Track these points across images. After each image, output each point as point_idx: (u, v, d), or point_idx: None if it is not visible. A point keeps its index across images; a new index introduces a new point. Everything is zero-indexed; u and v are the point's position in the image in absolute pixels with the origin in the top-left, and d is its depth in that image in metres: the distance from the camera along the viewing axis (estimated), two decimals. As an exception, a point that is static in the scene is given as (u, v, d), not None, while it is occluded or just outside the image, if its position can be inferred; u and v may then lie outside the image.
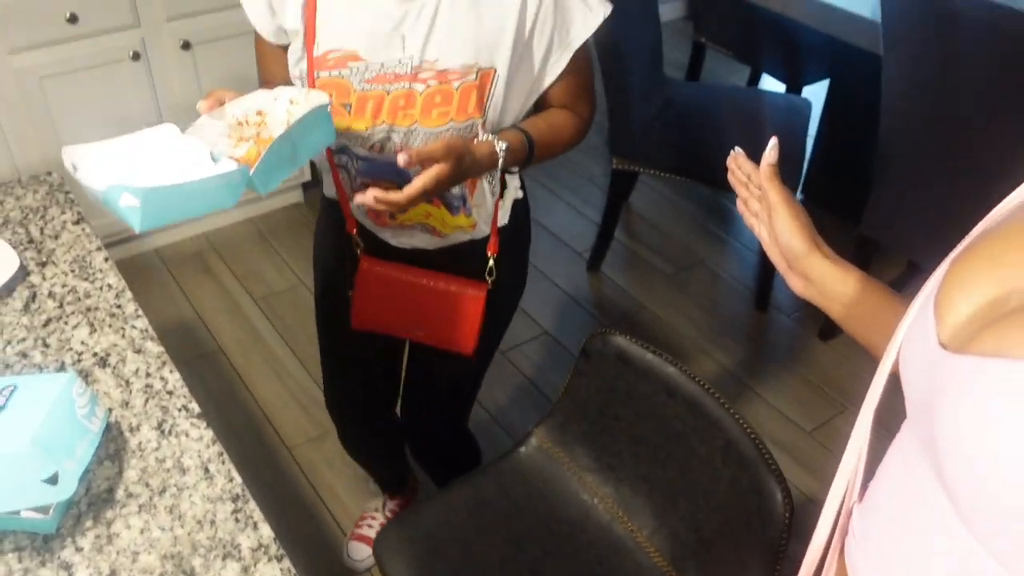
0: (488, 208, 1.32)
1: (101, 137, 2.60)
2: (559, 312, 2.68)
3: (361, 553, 1.92)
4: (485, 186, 1.30)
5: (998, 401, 0.49)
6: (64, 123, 2.38)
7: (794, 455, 2.21)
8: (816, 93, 3.03)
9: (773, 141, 0.85)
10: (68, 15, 2.24)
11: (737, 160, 0.90)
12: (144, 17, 2.37)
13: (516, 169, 1.29)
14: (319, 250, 1.52)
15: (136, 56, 2.38)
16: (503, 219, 1.36)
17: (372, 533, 1.94)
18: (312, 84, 1.17)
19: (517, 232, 1.41)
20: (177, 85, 2.51)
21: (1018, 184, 0.63)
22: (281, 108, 1.08)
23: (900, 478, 0.63)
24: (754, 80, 3.47)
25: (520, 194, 1.38)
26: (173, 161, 0.98)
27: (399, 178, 1.20)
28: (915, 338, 0.60)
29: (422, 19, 1.13)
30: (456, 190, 1.26)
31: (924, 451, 0.57)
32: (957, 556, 0.54)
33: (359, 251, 1.38)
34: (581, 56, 1.24)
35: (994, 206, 0.65)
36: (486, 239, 1.35)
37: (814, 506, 2.07)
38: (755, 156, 0.93)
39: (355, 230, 1.37)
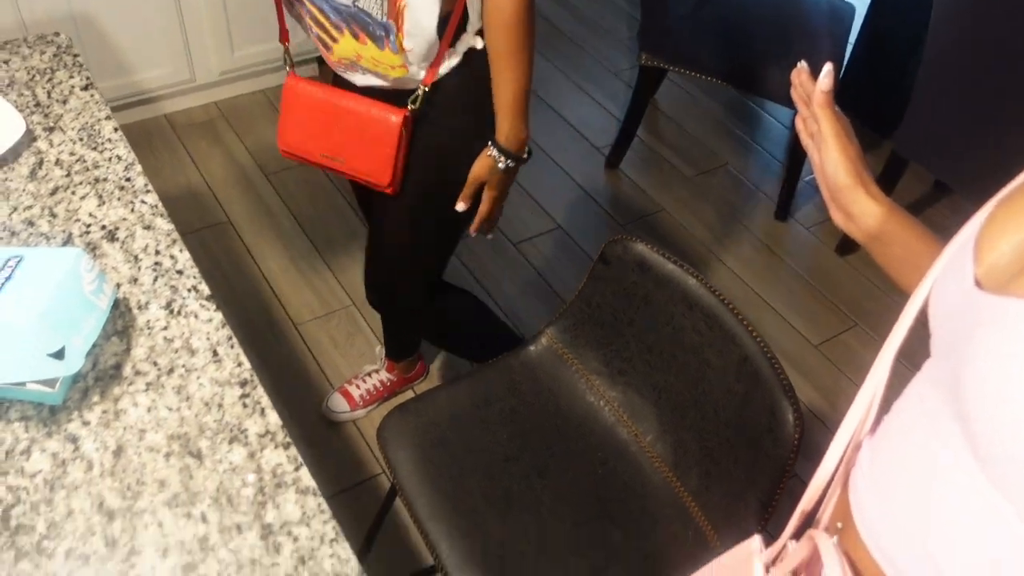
0: (419, 51, 1.25)
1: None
2: (573, 207, 2.63)
3: (339, 406, 1.99)
4: (416, 17, 1.20)
5: None
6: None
7: (798, 367, 2.21)
8: (860, -4, 2.90)
9: (828, 67, 0.80)
10: None
11: (800, 76, 0.85)
12: None
13: (476, 18, 1.25)
14: None
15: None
16: (447, 66, 1.29)
17: (355, 392, 1.99)
18: None
19: (479, 83, 1.32)
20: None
21: None
22: None
23: (915, 415, 0.62)
24: (796, -23, 3.30)
25: (479, 44, 1.28)
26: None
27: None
28: (949, 276, 0.59)
29: None
30: (377, 14, 1.19)
31: (945, 391, 0.57)
32: (966, 496, 0.55)
33: (288, 68, 1.40)
34: None
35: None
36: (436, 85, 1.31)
37: (815, 420, 2.09)
38: (795, 63, 0.87)
39: (288, 42, 1.39)
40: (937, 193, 2.76)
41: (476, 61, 1.28)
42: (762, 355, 1.16)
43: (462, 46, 1.27)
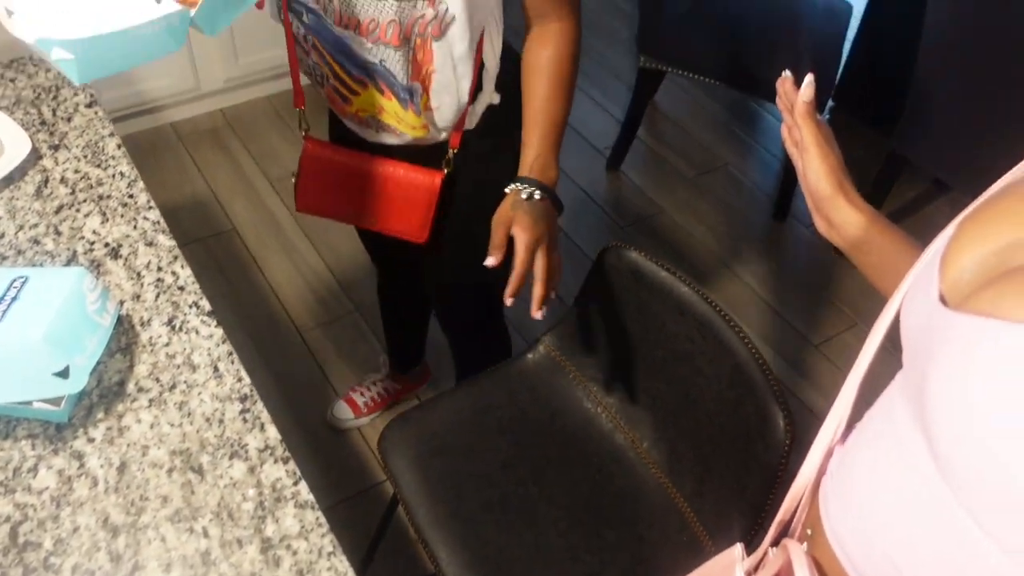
0: (446, 113, 1.22)
1: None
2: (574, 210, 2.65)
3: (343, 414, 2.01)
4: (445, 82, 1.17)
5: (986, 362, 0.49)
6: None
7: (799, 367, 2.23)
8: (859, -6, 2.91)
9: (809, 78, 0.82)
10: None
11: (784, 85, 0.87)
12: None
13: (493, 71, 1.22)
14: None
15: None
16: (470, 123, 1.27)
17: (360, 400, 2.01)
18: None
19: (501, 134, 1.31)
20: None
21: None
22: None
23: (884, 425, 0.64)
24: (795, -24, 3.31)
25: (496, 99, 1.26)
26: (113, 1, 0.89)
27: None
28: (918, 291, 0.61)
29: None
30: (401, 78, 1.17)
31: (912, 402, 0.59)
32: (928, 505, 0.57)
33: (303, 132, 1.35)
34: None
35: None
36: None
37: (814, 419, 2.10)
38: (796, 62, 0.89)
39: (303, 106, 1.33)
40: (936, 191, 2.77)
41: (495, 115, 1.28)
42: (754, 362, 1.18)
43: (480, 105, 1.25)
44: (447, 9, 1.10)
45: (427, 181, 1.30)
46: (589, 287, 1.41)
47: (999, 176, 0.64)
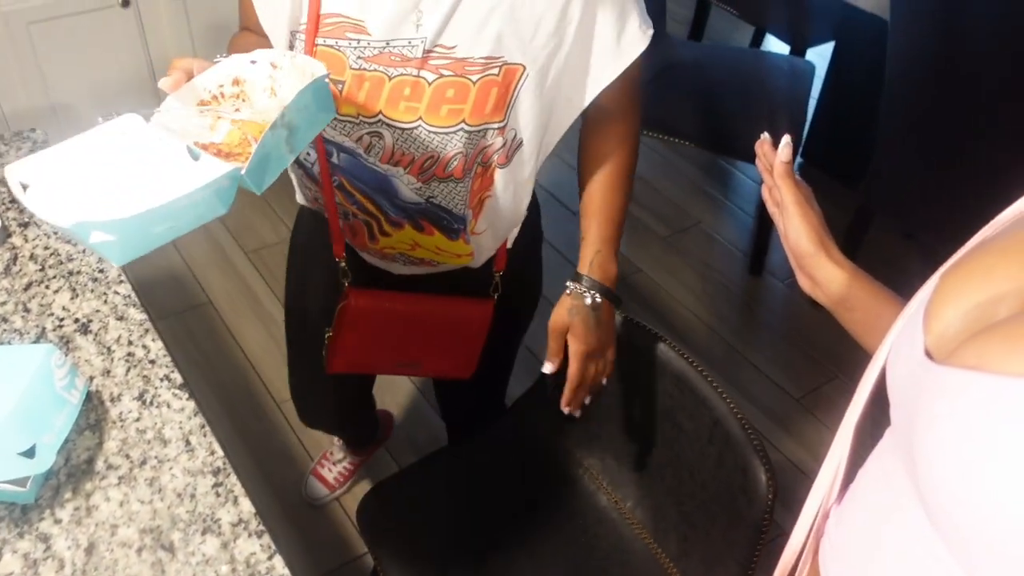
0: (494, 235, 1.19)
1: (88, 87, 2.51)
2: (552, 272, 2.62)
3: (317, 492, 1.96)
4: (499, 207, 1.14)
5: (975, 416, 0.49)
6: (52, 72, 2.33)
7: (781, 422, 2.22)
8: (821, 54, 2.98)
9: (786, 139, 0.83)
10: (55, -42, 2.17)
11: (763, 147, 0.88)
12: (133, -39, 2.30)
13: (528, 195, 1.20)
14: (302, 262, 1.36)
15: (126, 3, 2.31)
16: (510, 243, 1.25)
17: (329, 475, 1.97)
18: (311, 49, 1.01)
19: (531, 240, 1.30)
20: (168, 33, 2.45)
21: (1018, 183, 0.62)
22: (262, 73, 0.91)
23: (878, 484, 0.63)
24: (758, 40, 3.40)
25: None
26: (145, 167, 0.80)
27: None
28: (903, 345, 0.60)
29: None
30: (460, 210, 1.11)
31: (903, 459, 0.58)
32: (927, 565, 0.55)
33: (346, 283, 1.22)
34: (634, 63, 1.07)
35: (993, 195, 0.64)
36: (487, 263, 1.24)
37: (799, 473, 2.09)
38: (763, 122, 0.90)
39: (343, 256, 1.21)
40: (908, 242, 2.81)
41: (525, 229, 1.26)
42: (732, 416, 1.17)
43: (518, 226, 1.25)
44: (515, 135, 1.07)
45: (480, 313, 1.25)
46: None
47: (965, 226, 0.64)
